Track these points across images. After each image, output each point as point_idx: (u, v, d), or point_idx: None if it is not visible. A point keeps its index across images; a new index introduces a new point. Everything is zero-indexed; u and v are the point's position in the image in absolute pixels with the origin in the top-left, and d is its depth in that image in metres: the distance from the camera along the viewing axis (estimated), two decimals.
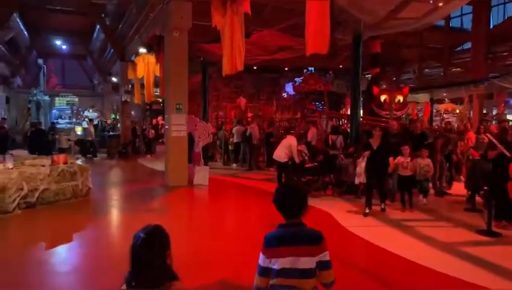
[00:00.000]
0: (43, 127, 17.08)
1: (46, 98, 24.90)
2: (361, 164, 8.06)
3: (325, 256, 2.22)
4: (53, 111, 24.48)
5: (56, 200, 8.22)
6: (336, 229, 6.69)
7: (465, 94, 19.18)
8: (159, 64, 13.91)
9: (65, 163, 8.67)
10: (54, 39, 27.17)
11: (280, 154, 9.23)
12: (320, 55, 7.18)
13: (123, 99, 20.39)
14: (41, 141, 14.81)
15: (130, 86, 19.68)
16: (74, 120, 22.39)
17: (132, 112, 27.86)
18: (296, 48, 12.03)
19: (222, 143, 16.75)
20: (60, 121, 22.66)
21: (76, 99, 26.48)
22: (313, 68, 26.02)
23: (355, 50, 10.31)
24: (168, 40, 10.75)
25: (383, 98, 13.46)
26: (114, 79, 24.25)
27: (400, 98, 13.49)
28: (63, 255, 5.50)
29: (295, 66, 24.26)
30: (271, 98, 27.63)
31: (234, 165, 15.99)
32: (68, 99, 25.72)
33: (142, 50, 15.62)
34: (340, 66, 22.61)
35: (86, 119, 22.11)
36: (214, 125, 20.47)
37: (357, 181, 8.46)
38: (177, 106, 10.70)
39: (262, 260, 2.24)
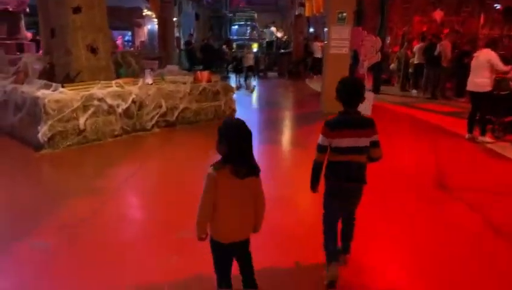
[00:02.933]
0: (212, 43, 17.10)
1: (227, 14, 25.32)
2: None
3: (377, 137, 2.73)
4: (233, 27, 24.85)
5: (197, 120, 7.73)
6: None
7: None
8: None
9: (209, 81, 7.99)
10: None
11: (477, 80, 6.44)
12: None
13: (296, 13, 18.94)
14: (212, 56, 14.98)
15: None
16: (250, 37, 22.26)
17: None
18: None
19: (401, 64, 13.96)
20: (237, 37, 22.85)
21: (255, 15, 26.17)
22: None
23: None
24: None
25: None
26: None
27: None
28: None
29: None
30: (478, 10, 22.11)
31: (414, 91, 13.27)
32: (247, 14, 25.59)
33: None
34: None
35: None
36: (399, 43, 17.45)
37: None
38: (339, 15, 8.67)
39: (323, 140, 2.68)
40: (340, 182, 2.70)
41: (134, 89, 6.80)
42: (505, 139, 6.71)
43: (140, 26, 29.26)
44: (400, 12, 20.24)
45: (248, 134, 2.12)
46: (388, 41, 17.33)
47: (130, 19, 29.35)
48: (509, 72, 6.43)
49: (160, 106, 7.14)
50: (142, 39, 28.28)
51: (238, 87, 14.22)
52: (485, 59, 6.31)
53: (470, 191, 4.64)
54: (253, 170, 2.16)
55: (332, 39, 8.80)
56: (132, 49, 23.60)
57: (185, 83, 7.66)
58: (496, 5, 21.70)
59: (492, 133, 6.67)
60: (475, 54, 6.65)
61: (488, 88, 6.29)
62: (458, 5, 22.91)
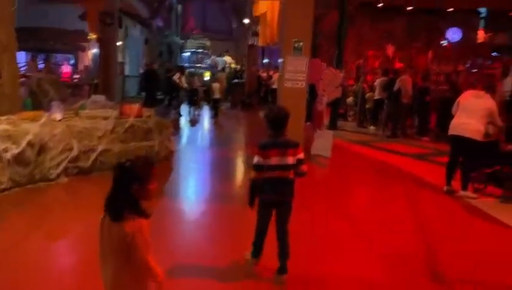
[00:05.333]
0: (157, 69, 15.62)
1: (177, 40, 24.16)
2: None
3: (302, 155, 3.13)
4: (184, 54, 23.65)
5: None
6: None
7: None
8: None
9: (139, 116, 6.55)
10: None
11: (469, 125, 5.39)
12: None
13: (249, 43, 18.08)
14: (156, 84, 13.60)
15: (258, 27, 17.15)
16: (201, 64, 21.10)
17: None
18: None
19: (358, 98, 13.26)
20: (189, 64, 21.65)
21: (208, 42, 25.16)
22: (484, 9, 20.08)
23: None
24: None
25: None
26: (246, 21, 22.04)
27: None
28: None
29: (462, 7, 18.57)
30: (426, 46, 22.55)
31: (372, 128, 12.50)
32: (199, 42, 24.54)
33: None
34: None
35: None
36: (353, 76, 16.96)
37: None
38: (296, 45, 7.62)
39: (258, 160, 3.08)
40: (270, 195, 3.10)
41: (33, 128, 5.21)
42: (485, 192, 5.75)
43: (84, 50, 27.56)
44: (352, 46, 20.05)
45: (120, 169, 1.92)
46: (343, 75, 16.84)
47: (73, 42, 27.57)
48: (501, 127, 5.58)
49: (71, 149, 5.57)
50: (86, 64, 26.58)
51: (194, 122, 12.87)
52: (484, 105, 5.34)
53: (475, 284, 3.43)
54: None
55: (288, 71, 7.71)
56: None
57: (106, 119, 6.16)
58: (442, 42, 22.18)
59: (472, 185, 5.69)
60: (466, 94, 5.65)
61: (480, 137, 5.30)
62: (408, 41, 23.24)
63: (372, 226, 4.64)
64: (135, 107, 6.60)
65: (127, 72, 20.03)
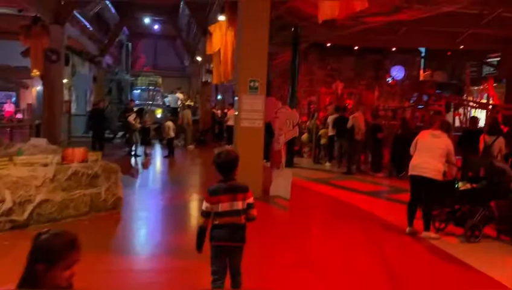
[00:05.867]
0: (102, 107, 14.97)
1: (127, 77, 23.65)
2: None
3: (251, 200, 3.14)
4: (135, 92, 23.09)
5: (63, 216, 5.57)
6: None
7: None
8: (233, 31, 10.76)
9: (83, 161, 6.02)
10: (143, 18, 26.05)
11: (428, 165, 5.34)
12: None
13: (203, 80, 17.96)
14: (103, 124, 12.98)
15: (211, 65, 17.10)
16: (152, 102, 20.60)
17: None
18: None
19: (313, 135, 13.35)
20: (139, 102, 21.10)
21: (160, 79, 24.81)
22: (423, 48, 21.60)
23: None
24: None
25: None
26: (198, 58, 22.02)
27: None
28: None
29: (404, 46, 19.73)
30: (373, 83, 23.66)
31: (327, 164, 12.52)
32: (151, 79, 24.15)
33: (221, 18, 12.65)
34: (461, 47, 17.22)
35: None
36: (306, 112, 17.21)
37: None
38: (252, 84, 7.51)
39: (206, 206, 3.07)
40: (221, 242, 3.09)
41: None
42: (447, 231, 5.71)
43: (27, 87, 26.28)
44: (304, 83, 20.57)
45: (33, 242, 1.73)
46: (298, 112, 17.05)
47: (16, 79, 26.27)
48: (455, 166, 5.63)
49: (3, 200, 4.94)
50: (30, 102, 25.25)
51: (147, 163, 12.28)
52: (442, 144, 5.35)
53: None
54: None
55: (244, 110, 7.53)
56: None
57: (46, 165, 5.58)
58: (388, 79, 23.36)
59: (433, 224, 5.63)
60: (424, 133, 5.65)
61: (440, 176, 5.28)
62: (355, 79, 24.31)
63: (334, 271, 4.42)
64: (79, 151, 6.06)
65: (73, 110, 19.15)
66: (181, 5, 21.90)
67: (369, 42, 16.33)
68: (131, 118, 12.87)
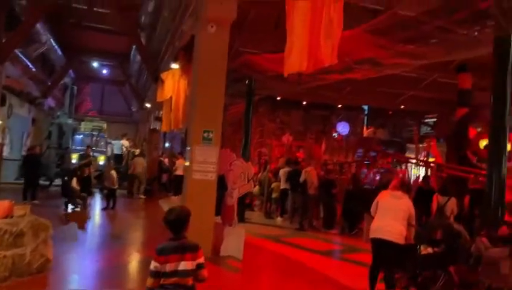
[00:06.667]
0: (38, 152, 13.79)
1: (70, 121, 22.43)
2: None
3: (202, 260, 2.98)
4: (77, 137, 21.81)
5: None
6: None
7: None
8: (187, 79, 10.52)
9: (6, 216, 5.18)
10: (92, 62, 25.34)
11: (391, 228, 5.07)
12: None
13: (151, 127, 17.35)
14: (35, 169, 11.88)
15: (161, 112, 16.61)
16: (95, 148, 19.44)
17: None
18: (384, 63, 8.31)
19: (265, 188, 13.03)
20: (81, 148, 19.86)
21: (105, 125, 23.77)
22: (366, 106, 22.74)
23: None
24: (199, 38, 7.37)
25: (483, 143, 10.76)
26: (147, 105, 21.46)
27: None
28: None
29: (349, 104, 20.66)
30: (320, 137, 24.31)
31: (279, 219, 12.15)
32: (95, 124, 23.07)
33: (174, 66, 12.42)
34: (402, 107, 18.40)
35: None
36: (256, 163, 16.96)
37: None
38: (205, 135, 7.12)
39: (154, 265, 2.88)
40: None
41: None
42: None
43: None
44: (255, 135, 20.59)
45: None
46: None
47: None
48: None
49: None
50: None
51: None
52: (404, 206, 5.17)
53: None
54: None
55: (196, 162, 7.07)
56: None
57: None
58: (334, 134, 24.09)
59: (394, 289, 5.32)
60: (384, 194, 5.43)
61: (402, 240, 5.04)
62: (303, 132, 24.85)
63: None
64: (2, 205, 5.22)
65: (6, 154, 17.57)
66: (132, 52, 21.61)
67: (317, 98, 16.90)
68: (74, 183, 11.45)
